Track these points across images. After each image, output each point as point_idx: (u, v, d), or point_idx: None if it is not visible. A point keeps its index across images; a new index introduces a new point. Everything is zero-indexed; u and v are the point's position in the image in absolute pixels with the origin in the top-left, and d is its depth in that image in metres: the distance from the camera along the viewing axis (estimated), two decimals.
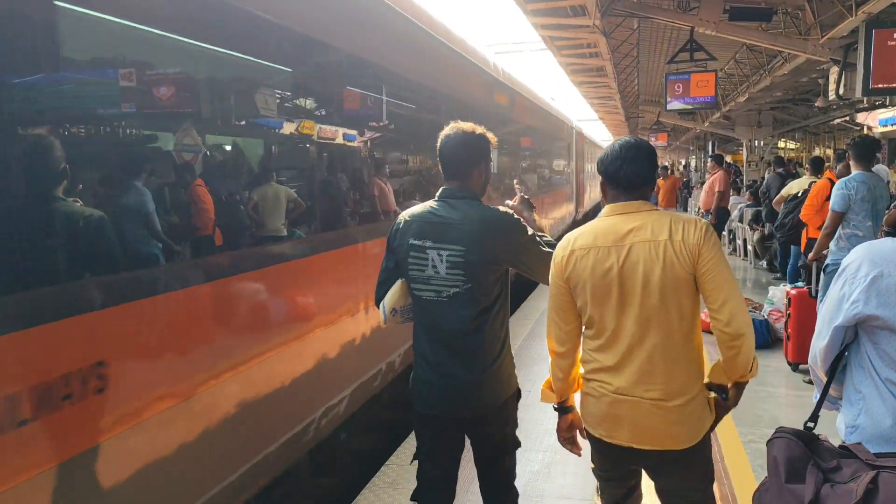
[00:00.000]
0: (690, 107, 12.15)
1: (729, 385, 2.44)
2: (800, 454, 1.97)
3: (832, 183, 7.12)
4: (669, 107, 11.93)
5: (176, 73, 3.06)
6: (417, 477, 2.93)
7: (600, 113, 32.58)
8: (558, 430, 2.71)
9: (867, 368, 2.07)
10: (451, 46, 6.99)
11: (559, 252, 2.50)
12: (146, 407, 2.67)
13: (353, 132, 4.86)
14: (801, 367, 6.28)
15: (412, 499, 2.93)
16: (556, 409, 2.67)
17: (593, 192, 25.02)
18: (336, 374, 4.33)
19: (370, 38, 4.98)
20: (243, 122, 3.75)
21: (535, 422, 5.23)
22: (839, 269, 2.14)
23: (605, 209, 2.48)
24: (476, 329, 2.70)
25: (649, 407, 2.33)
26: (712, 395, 2.44)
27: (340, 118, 4.66)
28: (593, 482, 4.19)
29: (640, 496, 2.70)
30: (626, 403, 2.36)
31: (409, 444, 4.85)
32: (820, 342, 2.17)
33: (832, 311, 2.11)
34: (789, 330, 6.37)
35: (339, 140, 4.62)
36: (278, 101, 3.93)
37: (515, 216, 2.79)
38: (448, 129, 2.82)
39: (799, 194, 8.25)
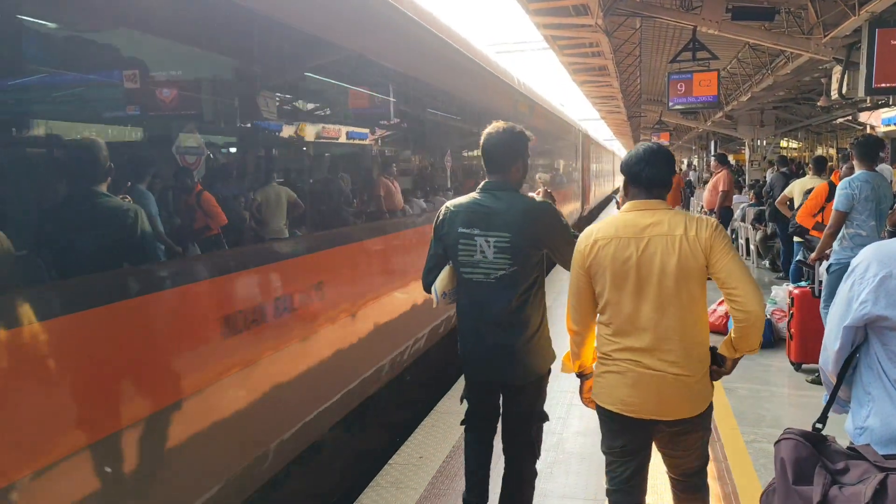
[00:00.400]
0: (693, 106, 12.13)
1: (730, 358, 2.74)
2: (807, 455, 1.97)
3: (832, 185, 7.11)
4: (672, 106, 11.92)
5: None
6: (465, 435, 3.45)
7: (602, 112, 32.54)
8: (581, 393, 3.04)
9: (876, 370, 2.06)
10: (492, 71, 9.46)
11: (582, 242, 2.77)
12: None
13: (439, 136, 7.46)
14: (804, 366, 6.28)
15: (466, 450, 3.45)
16: (578, 376, 3.04)
17: (598, 190, 25.96)
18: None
19: (448, 70, 7.43)
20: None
21: None
22: (848, 269, 2.13)
23: (627, 205, 2.77)
24: (520, 306, 3.08)
25: (672, 381, 2.62)
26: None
27: (431, 123, 7.15)
28: (596, 481, 4.19)
29: (646, 475, 2.88)
30: (653, 378, 2.64)
31: (411, 445, 4.85)
32: (830, 343, 2.16)
33: (841, 312, 2.11)
34: (792, 330, 6.36)
35: (432, 142, 7.20)
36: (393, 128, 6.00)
37: (552, 210, 3.17)
38: (491, 128, 3.15)
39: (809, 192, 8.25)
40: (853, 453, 1.97)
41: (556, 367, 3.27)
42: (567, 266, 2.95)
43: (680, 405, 2.66)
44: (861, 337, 2.11)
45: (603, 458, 2.93)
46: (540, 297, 3.18)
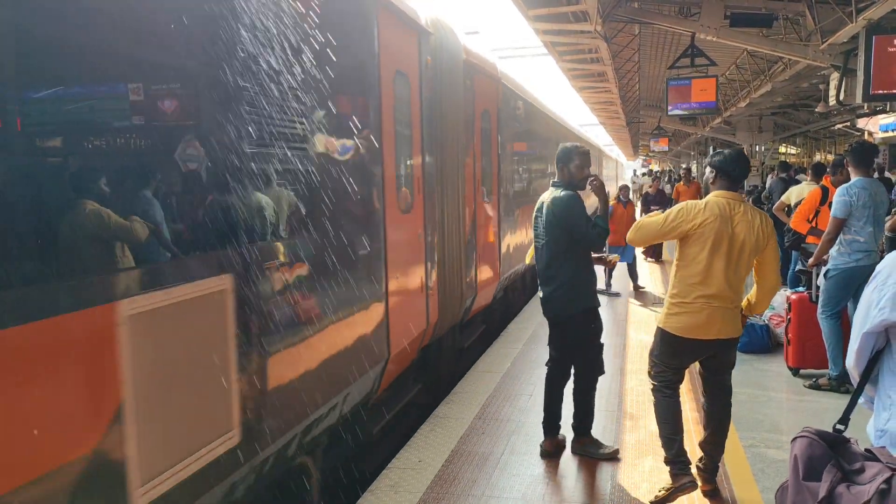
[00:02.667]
0: (691, 112, 12.19)
1: (745, 313, 4.04)
2: (820, 454, 2.00)
3: (824, 190, 7.14)
4: (670, 112, 11.98)
5: None
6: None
7: (601, 118, 32.59)
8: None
9: None
10: (555, 118, 15.44)
11: (691, 213, 3.82)
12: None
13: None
14: (802, 371, 6.30)
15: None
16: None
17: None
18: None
19: (548, 127, 13.66)
20: None
21: (537, 425, 5.24)
22: (873, 274, 2.18)
23: (719, 192, 3.88)
24: (549, 265, 4.53)
25: (729, 312, 3.85)
26: None
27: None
28: (596, 485, 4.22)
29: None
30: (719, 310, 3.81)
31: (410, 449, 4.87)
32: (853, 346, 2.22)
33: (862, 317, 2.16)
34: (789, 335, 6.38)
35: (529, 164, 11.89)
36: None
37: (571, 200, 4.42)
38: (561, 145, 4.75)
39: (798, 202, 8.27)
40: (870, 455, 2.00)
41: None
42: (580, 240, 4.39)
43: (733, 327, 3.89)
44: (882, 342, 2.15)
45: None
46: (568, 260, 4.46)
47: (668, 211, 3.97)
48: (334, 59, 3.95)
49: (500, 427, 5.24)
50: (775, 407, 5.69)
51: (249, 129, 3.19)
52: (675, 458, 3.97)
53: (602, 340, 4.71)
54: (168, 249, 2.77)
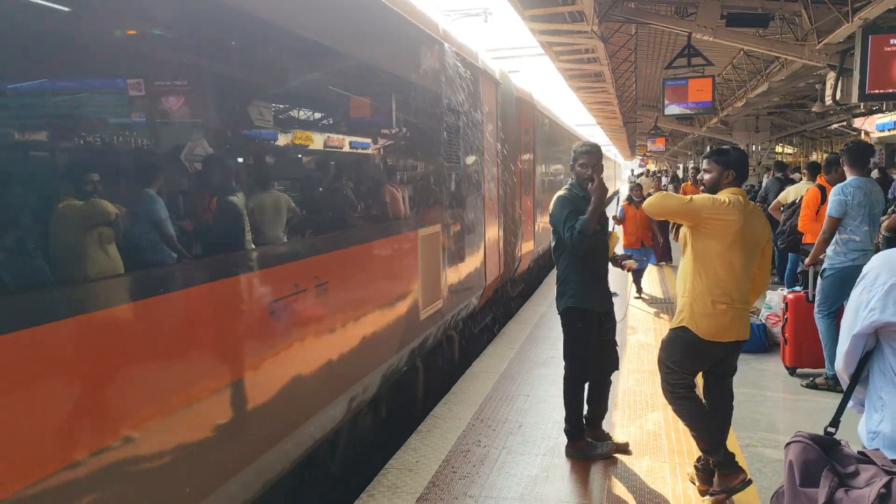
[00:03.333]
0: (688, 112, 12.20)
1: None
2: (815, 458, 1.99)
3: (821, 189, 7.15)
4: (667, 112, 11.98)
5: None
6: None
7: (598, 118, 32.61)
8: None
9: (889, 375, 2.08)
10: (570, 129, 19.30)
11: (722, 208, 3.78)
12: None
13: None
14: (799, 371, 6.31)
15: None
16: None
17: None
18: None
19: (565, 137, 16.93)
20: None
21: (534, 425, 5.25)
22: (860, 276, 2.17)
23: (732, 190, 3.90)
24: (556, 260, 4.66)
25: (746, 312, 3.93)
26: None
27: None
28: (593, 486, 4.22)
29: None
30: (740, 311, 3.86)
31: (407, 449, 4.86)
32: (842, 349, 2.20)
33: (852, 319, 2.14)
34: (786, 334, 6.39)
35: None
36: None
37: (557, 200, 4.49)
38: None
39: (796, 201, 8.29)
40: (864, 458, 1.99)
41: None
42: (568, 246, 4.37)
43: (747, 328, 3.97)
44: (872, 342, 2.14)
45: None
46: (562, 258, 4.53)
47: (691, 196, 3.92)
48: (463, 106, 6.98)
49: (497, 427, 5.24)
50: (772, 406, 5.69)
51: (460, 154, 6.83)
52: (725, 459, 3.95)
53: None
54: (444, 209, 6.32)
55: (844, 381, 2.26)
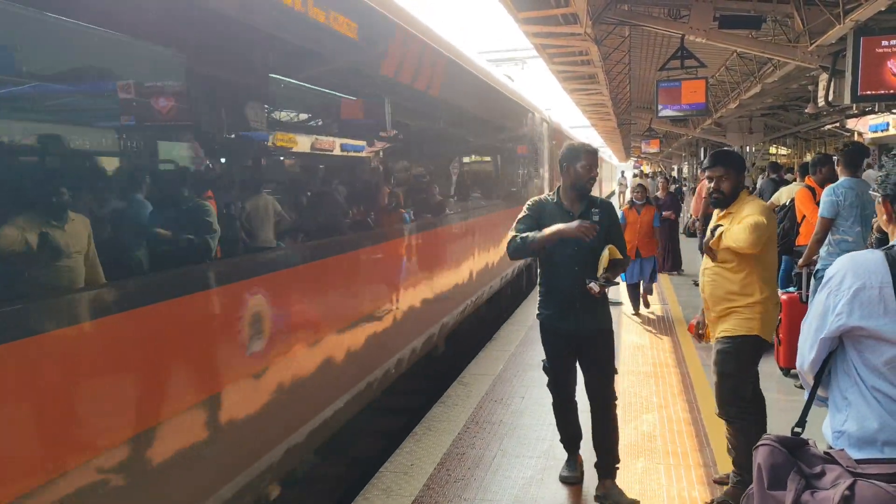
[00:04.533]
0: (681, 114, 12.22)
1: None
2: (782, 461, 2.00)
3: (810, 189, 7.19)
4: (661, 114, 12.01)
5: None
6: None
7: (593, 119, 32.65)
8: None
9: (853, 377, 2.09)
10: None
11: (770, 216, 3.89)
12: None
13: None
14: (793, 371, 6.32)
15: None
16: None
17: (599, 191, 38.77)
18: None
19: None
20: None
21: (529, 428, 5.25)
22: (823, 279, 2.17)
23: (753, 196, 4.06)
24: None
25: None
26: None
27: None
28: (587, 487, 4.22)
29: None
30: None
31: (402, 452, 4.86)
32: (806, 351, 2.20)
33: (818, 322, 2.15)
34: (780, 335, 6.41)
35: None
36: None
37: (536, 201, 4.19)
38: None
39: (787, 203, 8.29)
40: (829, 458, 2.00)
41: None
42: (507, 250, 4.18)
43: None
44: (835, 344, 2.15)
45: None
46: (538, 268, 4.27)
47: (760, 217, 3.77)
48: (540, 137, 14.32)
49: (492, 430, 5.24)
50: (766, 407, 5.69)
51: (539, 162, 14.15)
52: None
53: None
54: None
55: (808, 383, 2.27)
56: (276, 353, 3.47)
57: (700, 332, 4.28)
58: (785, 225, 7.87)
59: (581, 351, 4.13)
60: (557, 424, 4.39)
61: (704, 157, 22.14)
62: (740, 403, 3.92)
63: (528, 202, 4.20)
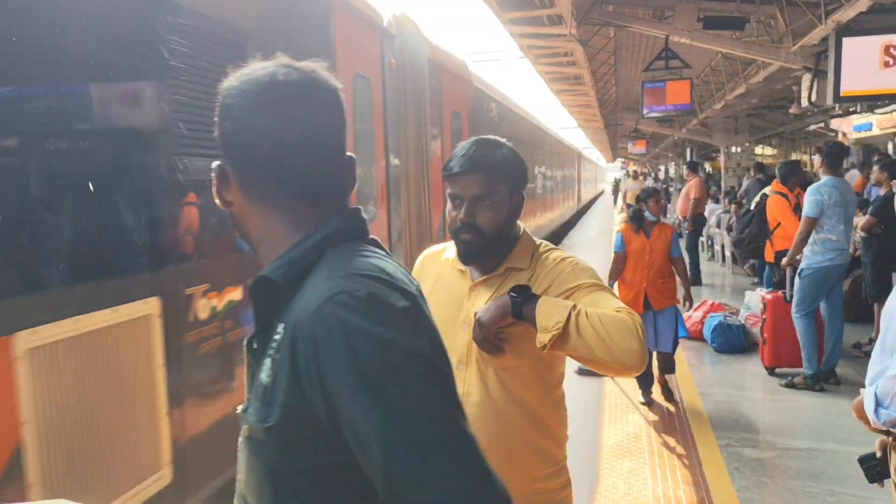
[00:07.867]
0: (667, 114, 12.28)
1: None
2: None
3: (784, 196, 7.31)
4: (646, 114, 12.05)
5: None
6: None
7: (580, 120, 32.75)
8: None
9: None
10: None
11: None
12: None
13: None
14: (777, 370, 6.35)
15: None
16: None
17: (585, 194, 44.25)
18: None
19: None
20: None
21: None
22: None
23: None
24: None
25: None
26: None
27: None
28: (583, 490, 4.21)
29: None
30: None
31: None
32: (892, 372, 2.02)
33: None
34: (765, 334, 6.44)
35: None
36: None
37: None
38: None
39: (751, 209, 8.32)
40: None
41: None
42: None
43: None
44: None
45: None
46: None
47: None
48: (573, 163, 30.42)
49: None
50: (751, 406, 5.73)
51: (564, 174, 26.12)
52: None
53: None
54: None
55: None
56: None
57: None
58: (752, 230, 7.92)
59: None
60: None
61: (690, 158, 22.26)
62: None
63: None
